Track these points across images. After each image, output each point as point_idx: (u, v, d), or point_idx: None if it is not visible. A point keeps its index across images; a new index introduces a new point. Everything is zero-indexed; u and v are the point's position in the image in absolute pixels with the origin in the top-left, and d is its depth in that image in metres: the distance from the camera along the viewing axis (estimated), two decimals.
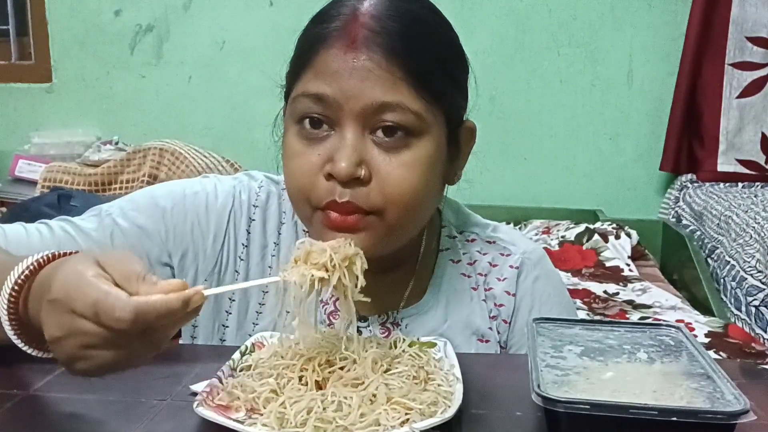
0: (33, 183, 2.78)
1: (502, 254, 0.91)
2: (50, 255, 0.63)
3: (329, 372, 0.65)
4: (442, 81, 0.77)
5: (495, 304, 0.89)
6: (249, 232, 0.88)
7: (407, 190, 0.75)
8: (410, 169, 0.75)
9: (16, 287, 0.62)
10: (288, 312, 0.86)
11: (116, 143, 2.96)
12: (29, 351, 0.63)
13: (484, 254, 0.91)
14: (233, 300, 0.88)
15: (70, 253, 0.64)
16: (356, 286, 0.69)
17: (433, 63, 0.76)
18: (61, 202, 2.19)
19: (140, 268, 0.57)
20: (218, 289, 0.67)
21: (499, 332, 0.89)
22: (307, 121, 0.76)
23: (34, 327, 0.61)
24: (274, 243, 0.88)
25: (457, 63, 0.82)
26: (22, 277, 0.62)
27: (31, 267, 0.62)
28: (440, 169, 0.80)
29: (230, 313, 0.88)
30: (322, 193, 0.75)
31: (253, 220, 0.88)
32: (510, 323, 0.89)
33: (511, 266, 0.90)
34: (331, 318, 0.86)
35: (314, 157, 0.75)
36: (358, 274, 0.69)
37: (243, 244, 0.87)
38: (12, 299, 0.62)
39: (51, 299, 0.57)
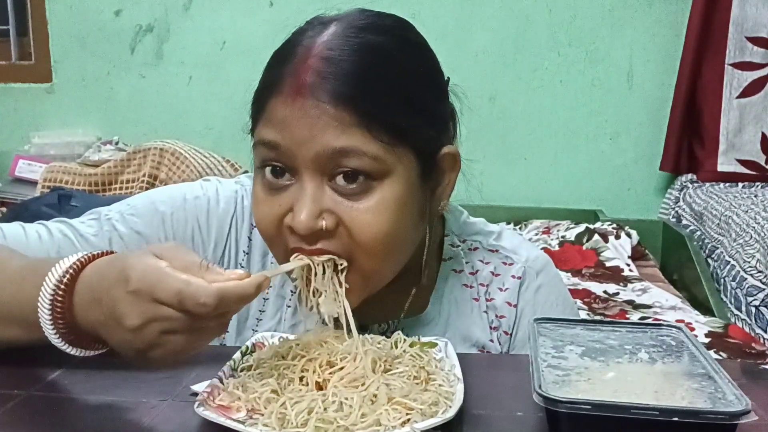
0: (33, 183, 2.78)
1: (505, 263, 0.89)
2: (90, 255, 0.66)
3: (330, 373, 0.65)
4: (404, 117, 0.73)
5: (496, 315, 0.88)
6: (250, 239, 0.87)
7: (376, 235, 0.71)
8: (376, 214, 0.71)
9: (62, 286, 0.63)
10: (285, 320, 0.86)
11: (116, 143, 2.96)
12: (69, 350, 0.66)
13: (487, 263, 0.90)
14: None
15: (110, 252, 0.67)
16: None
17: (392, 101, 0.72)
18: (62, 202, 2.19)
19: (197, 258, 0.62)
20: (277, 270, 0.72)
21: (500, 343, 0.88)
22: (268, 169, 0.73)
23: (78, 326, 0.64)
24: None
25: (426, 93, 0.77)
26: (67, 277, 0.64)
27: (74, 267, 0.64)
28: (414, 206, 0.76)
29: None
30: (288, 242, 0.73)
31: (255, 226, 0.87)
32: (511, 334, 0.88)
33: (513, 276, 0.89)
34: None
35: (276, 207, 0.73)
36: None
37: (244, 251, 0.87)
38: (59, 298, 0.63)
39: (132, 290, 0.59)
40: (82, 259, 0.65)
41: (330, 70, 0.69)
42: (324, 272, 0.72)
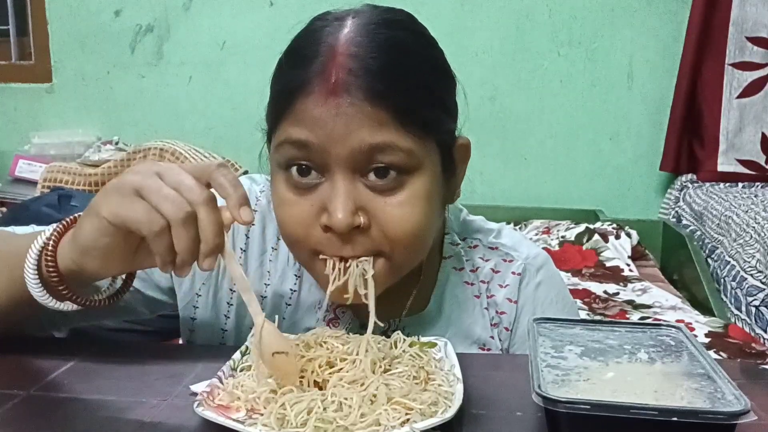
0: (33, 183, 2.78)
1: (505, 260, 0.90)
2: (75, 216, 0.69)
3: (329, 374, 0.65)
4: (430, 110, 0.74)
5: (497, 312, 0.89)
6: (248, 237, 0.87)
7: (410, 229, 0.72)
8: (409, 208, 0.72)
9: (53, 239, 0.67)
10: (284, 319, 0.86)
11: (116, 143, 2.96)
12: (51, 303, 0.68)
13: (487, 261, 0.90)
14: (231, 305, 0.87)
15: None
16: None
17: (419, 94, 0.72)
18: (61, 202, 2.19)
19: None
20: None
21: (500, 340, 0.88)
22: (294, 168, 0.72)
23: (64, 275, 0.68)
24: (272, 248, 0.88)
25: (443, 85, 0.77)
26: (56, 232, 0.68)
27: (64, 224, 0.68)
28: (438, 198, 0.77)
29: (228, 317, 0.88)
30: (321, 243, 0.72)
31: (253, 225, 0.87)
32: (512, 330, 0.89)
33: (513, 272, 0.89)
34: (330, 325, 0.85)
35: (307, 207, 0.72)
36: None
37: (241, 249, 0.87)
38: (49, 249, 0.67)
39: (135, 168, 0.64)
40: (67, 221, 0.69)
41: (360, 67, 0.69)
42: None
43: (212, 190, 0.64)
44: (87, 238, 0.65)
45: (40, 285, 0.68)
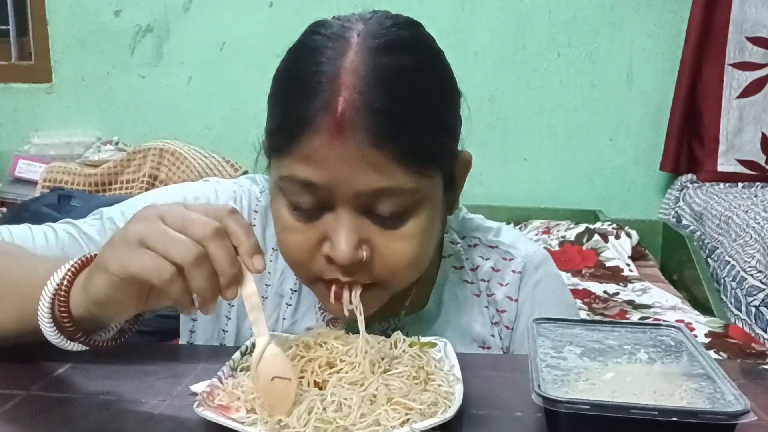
0: (33, 183, 2.78)
1: (504, 259, 0.90)
2: (91, 255, 0.66)
3: (329, 374, 0.65)
4: (436, 142, 0.72)
5: (497, 310, 0.89)
6: None
7: (411, 261, 0.73)
8: (411, 241, 0.72)
9: (65, 283, 0.64)
10: (284, 319, 0.86)
11: (116, 143, 2.97)
12: (64, 344, 0.66)
13: (486, 259, 0.90)
14: (232, 306, 0.87)
15: None
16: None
17: (426, 130, 0.70)
18: (61, 202, 2.19)
19: None
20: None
21: (501, 338, 0.88)
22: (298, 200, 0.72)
23: (75, 320, 0.65)
24: (273, 249, 0.88)
25: (449, 108, 0.75)
26: (69, 274, 0.65)
27: (76, 265, 0.65)
28: (440, 218, 0.77)
29: (229, 318, 0.88)
30: (323, 270, 0.73)
31: (254, 225, 0.87)
32: (512, 329, 0.89)
33: (513, 271, 0.89)
34: (330, 324, 0.85)
35: (309, 234, 0.72)
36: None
37: None
38: (62, 294, 0.64)
39: (140, 215, 0.62)
40: (84, 259, 0.66)
41: (367, 105, 0.67)
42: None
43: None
44: (98, 294, 0.62)
45: (55, 329, 0.65)
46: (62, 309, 0.64)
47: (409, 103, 0.69)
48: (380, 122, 0.67)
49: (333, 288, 0.73)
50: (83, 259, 0.66)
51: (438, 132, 0.73)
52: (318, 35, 0.72)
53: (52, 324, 0.65)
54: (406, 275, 0.75)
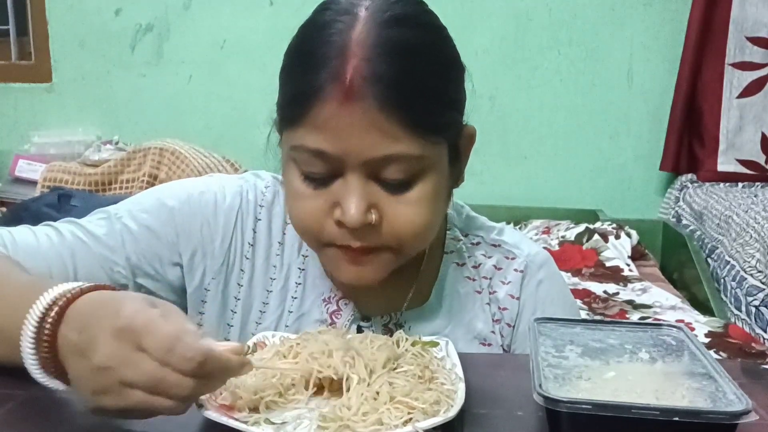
0: (33, 183, 2.78)
1: (507, 257, 0.91)
2: (81, 288, 0.61)
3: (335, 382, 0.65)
4: (442, 110, 0.75)
5: (499, 308, 0.89)
6: (255, 232, 0.88)
7: (419, 226, 0.76)
8: (419, 206, 0.75)
9: (50, 320, 0.59)
10: (291, 312, 0.87)
11: (116, 143, 2.96)
12: (46, 382, 0.61)
13: (489, 257, 0.91)
14: (238, 299, 0.87)
15: (103, 287, 0.62)
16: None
17: (432, 100, 0.73)
18: (62, 202, 2.19)
19: (192, 325, 0.57)
20: (270, 366, 0.66)
21: (502, 336, 0.89)
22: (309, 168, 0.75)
23: (56, 348, 0.59)
24: (279, 243, 0.88)
25: (454, 80, 0.78)
26: (56, 309, 0.59)
27: (64, 300, 0.60)
28: (446, 189, 0.80)
29: (235, 312, 0.88)
30: (333, 235, 0.75)
31: (259, 219, 0.88)
32: (513, 327, 0.89)
33: (515, 270, 0.90)
34: (333, 317, 0.86)
35: (320, 201, 0.74)
36: None
37: (249, 243, 0.87)
38: (47, 332, 0.59)
39: (120, 327, 0.54)
40: (84, 288, 0.61)
41: (375, 73, 0.69)
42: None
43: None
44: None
45: (41, 370, 0.61)
46: (44, 345, 0.59)
47: (416, 73, 0.72)
48: (388, 90, 0.69)
49: (347, 252, 0.75)
50: (71, 294, 0.60)
51: (443, 102, 0.75)
52: (328, 11, 0.74)
53: (38, 366, 0.61)
54: (414, 240, 0.77)
